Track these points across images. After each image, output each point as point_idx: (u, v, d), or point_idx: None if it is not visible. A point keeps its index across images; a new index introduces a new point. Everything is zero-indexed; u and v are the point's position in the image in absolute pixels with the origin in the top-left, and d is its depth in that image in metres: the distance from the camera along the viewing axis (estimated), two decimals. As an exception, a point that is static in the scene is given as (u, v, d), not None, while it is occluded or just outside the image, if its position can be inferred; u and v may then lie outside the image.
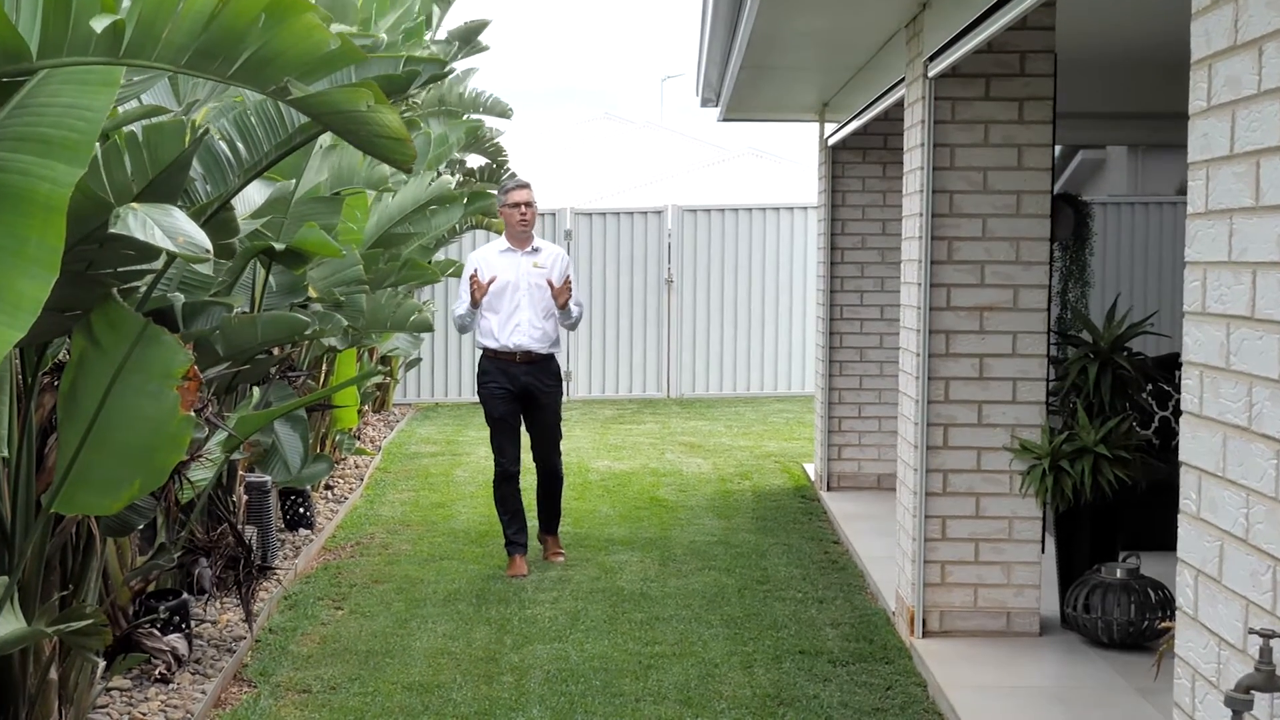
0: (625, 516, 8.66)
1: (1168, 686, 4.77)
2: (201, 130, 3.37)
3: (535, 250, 7.24)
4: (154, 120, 3.49)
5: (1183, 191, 12.24)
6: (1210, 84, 2.64)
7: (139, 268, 3.76)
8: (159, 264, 3.95)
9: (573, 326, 7.31)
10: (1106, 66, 7.51)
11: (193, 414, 3.52)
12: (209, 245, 3.32)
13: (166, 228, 3.28)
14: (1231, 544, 2.55)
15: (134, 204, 3.32)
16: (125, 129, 3.52)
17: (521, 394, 7.16)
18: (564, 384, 7.58)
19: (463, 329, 7.34)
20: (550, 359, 7.21)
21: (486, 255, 7.29)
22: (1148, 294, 11.53)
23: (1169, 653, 3.88)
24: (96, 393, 3.56)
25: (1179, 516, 2.78)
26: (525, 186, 7.31)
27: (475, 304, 7.08)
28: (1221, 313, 2.59)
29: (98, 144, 3.63)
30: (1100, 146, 12.14)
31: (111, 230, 3.25)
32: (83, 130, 2.77)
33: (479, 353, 7.29)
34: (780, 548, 7.71)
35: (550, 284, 7.08)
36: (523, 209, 7.17)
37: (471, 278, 7.10)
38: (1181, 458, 2.76)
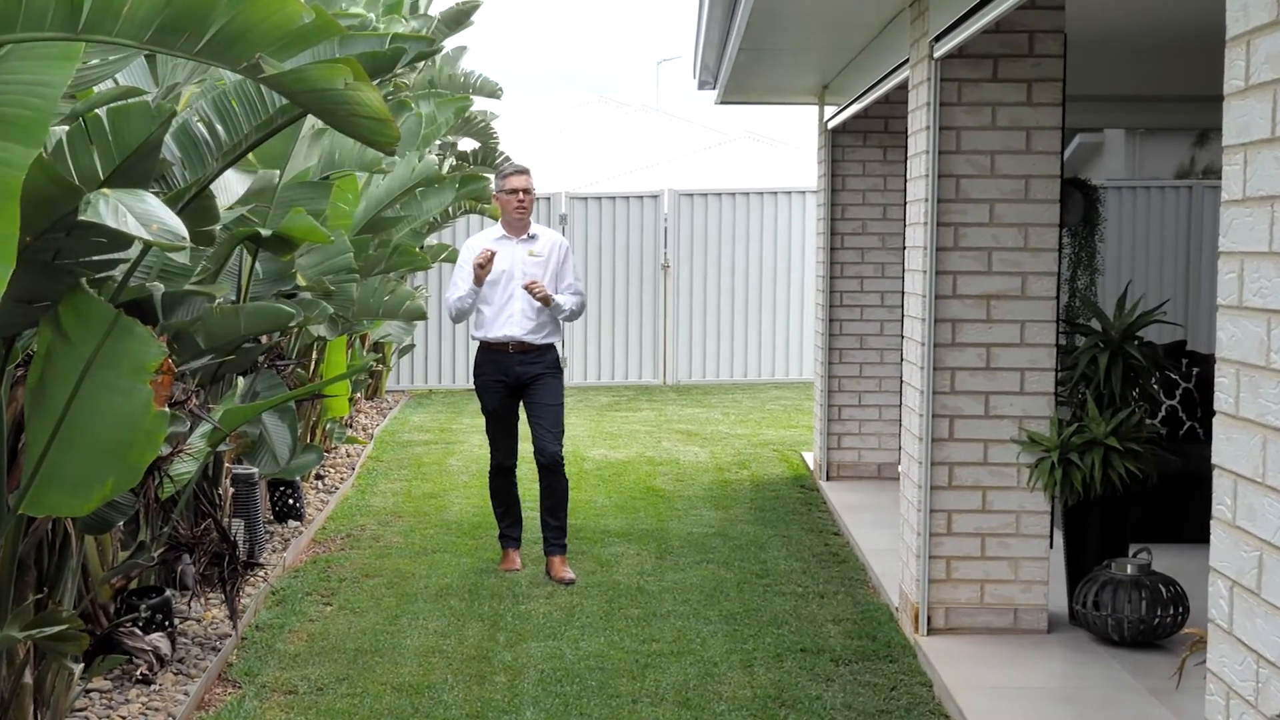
0: (621, 507, 8.50)
1: (1184, 688, 4.65)
2: (169, 113, 3.18)
3: (532, 238, 6.87)
4: (119, 103, 3.30)
5: (1183, 176, 12.13)
6: (1249, 61, 2.46)
7: (111, 256, 3.58)
8: (133, 252, 3.78)
9: (568, 319, 6.90)
10: (1107, 49, 7.33)
11: (166, 410, 3.35)
12: (185, 233, 3.14)
13: (140, 214, 3.10)
14: (1272, 555, 2.39)
15: (105, 189, 3.14)
16: (94, 112, 3.33)
17: (517, 385, 6.79)
18: (564, 373, 7.07)
19: (459, 315, 6.90)
20: (547, 349, 6.81)
21: (481, 243, 6.89)
22: (1149, 279, 11.37)
23: (1192, 659, 3.73)
24: (65, 388, 3.38)
25: (1212, 523, 2.61)
26: (524, 172, 6.92)
27: (479, 281, 6.67)
28: (1261, 307, 2.42)
29: (64, 127, 3.46)
30: (1098, 130, 11.97)
31: (81, 217, 3.07)
32: (38, 108, 2.59)
33: (476, 342, 6.99)
34: (779, 540, 7.55)
35: (530, 286, 6.62)
36: (520, 195, 6.81)
37: (478, 262, 6.68)
38: (1215, 461, 2.59)
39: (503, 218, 6.93)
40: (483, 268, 6.66)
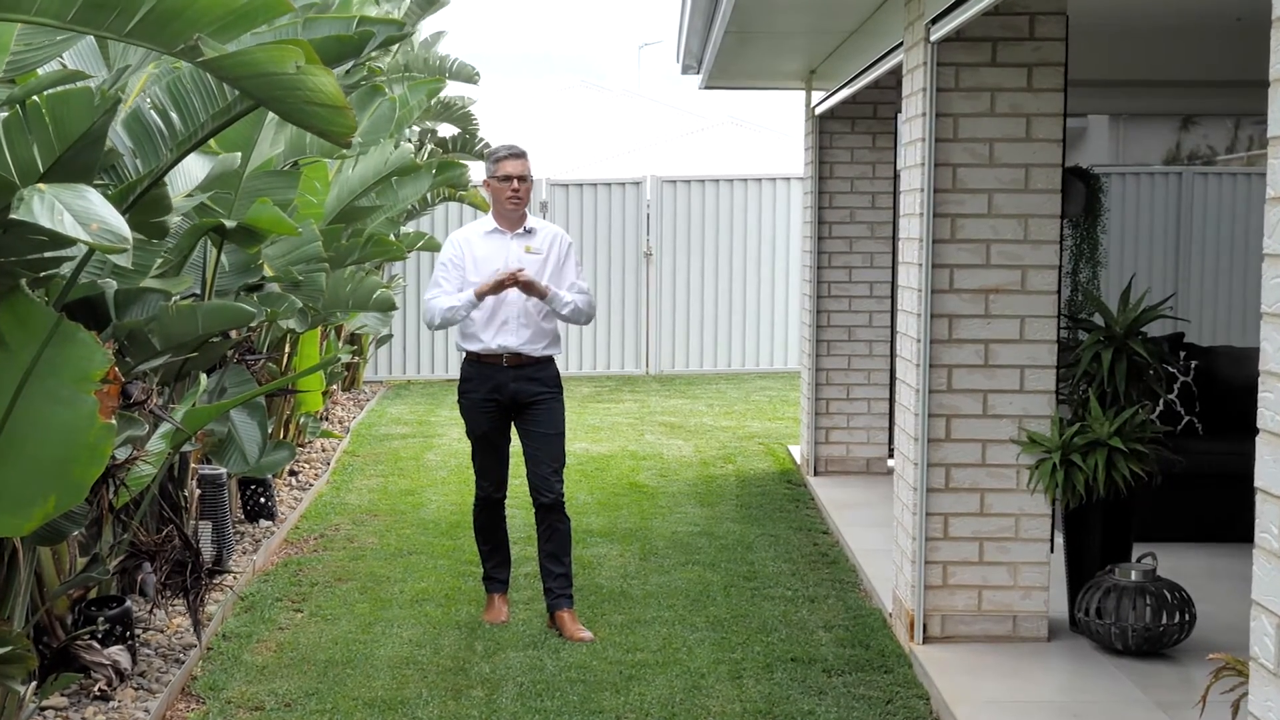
0: (603, 504, 8.26)
1: (1192, 701, 4.40)
2: (114, 100, 2.92)
3: (529, 232, 5.79)
4: (60, 88, 3.03)
5: (1169, 161, 11.92)
6: (1298, 44, 2.23)
7: (55, 254, 3.32)
8: (80, 249, 3.52)
9: (574, 319, 5.79)
10: (1099, 33, 7.09)
11: (113, 421, 3.09)
12: (128, 233, 2.88)
13: (78, 212, 2.84)
14: (1326, 592, 2.16)
15: (40, 185, 2.87)
16: (32, 99, 3.06)
17: (511, 404, 5.77)
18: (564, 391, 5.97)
19: (447, 325, 5.76)
20: (547, 362, 5.80)
21: (468, 237, 5.84)
22: (1138, 268, 11.17)
23: (1217, 686, 3.51)
24: (3, 399, 3.12)
25: (1255, 553, 2.39)
26: (520, 155, 5.79)
27: (480, 295, 5.61)
28: (1314, 317, 2.19)
29: (1, 114, 3.20)
30: (1081, 115, 11.79)
31: (14, 215, 2.81)
32: (-45, 98, 2.33)
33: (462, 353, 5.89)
34: (767, 539, 7.33)
35: (521, 278, 5.59)
36: (515, 183, 5.72)
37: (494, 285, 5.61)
38: (1258, 484, 2.36)
39: (493, 208, 5.86)
40: (499, 287, 5.62)
